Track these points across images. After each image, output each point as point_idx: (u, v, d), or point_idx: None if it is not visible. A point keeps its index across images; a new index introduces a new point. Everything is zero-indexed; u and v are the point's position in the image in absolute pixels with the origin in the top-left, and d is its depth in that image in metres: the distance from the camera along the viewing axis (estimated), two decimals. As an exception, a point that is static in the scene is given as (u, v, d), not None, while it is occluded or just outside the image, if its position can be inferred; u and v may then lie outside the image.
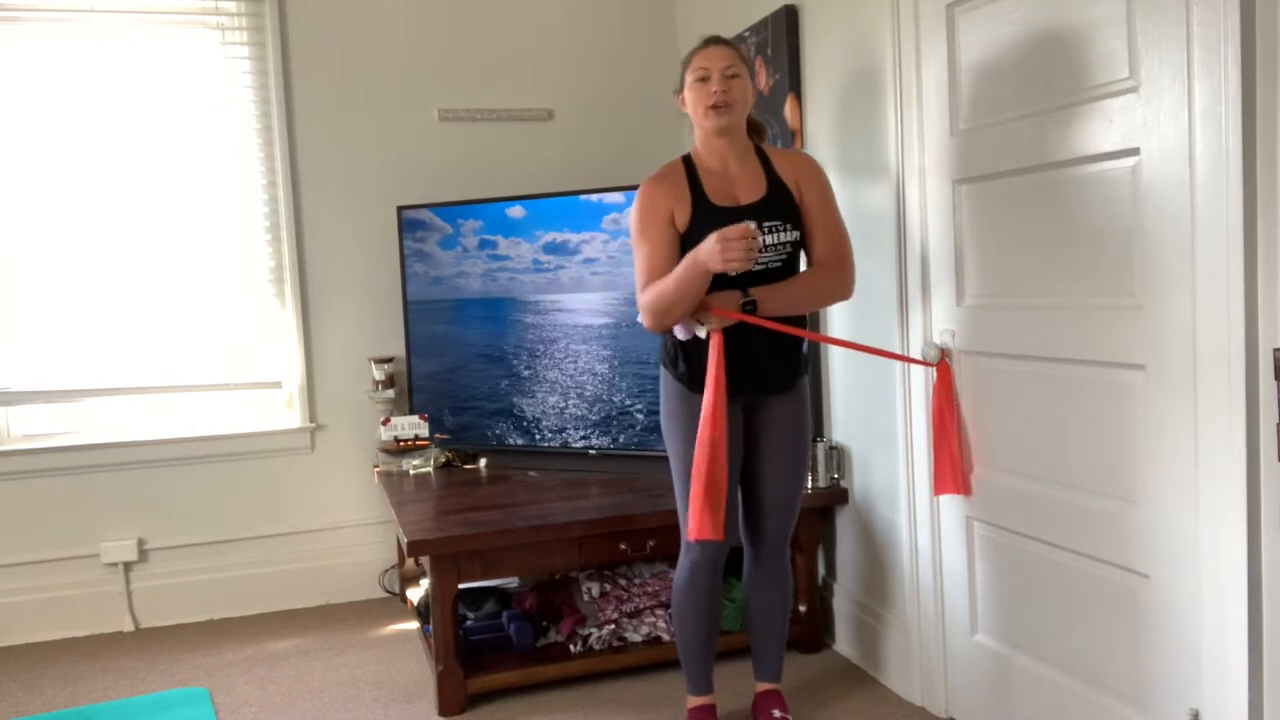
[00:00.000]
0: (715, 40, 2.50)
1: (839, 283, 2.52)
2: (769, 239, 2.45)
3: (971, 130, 2.51)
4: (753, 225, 2.40)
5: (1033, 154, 2.31)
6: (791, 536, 2.72)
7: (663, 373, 2.62)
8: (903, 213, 2.77)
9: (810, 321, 3.25)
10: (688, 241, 2.46)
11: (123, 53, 3.70)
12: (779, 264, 2.48)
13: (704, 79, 2.45)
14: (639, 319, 2.51)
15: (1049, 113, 2.26)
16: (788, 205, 2.50)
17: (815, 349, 3.27)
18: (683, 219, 2.48)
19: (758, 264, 2.45)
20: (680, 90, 2.54)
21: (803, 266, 2.59)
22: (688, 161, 2.54)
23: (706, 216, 2.46)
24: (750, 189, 2.50)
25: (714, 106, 2.44)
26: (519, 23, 4.09)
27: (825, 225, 2.53)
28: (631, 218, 2.52)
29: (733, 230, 2.27)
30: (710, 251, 2.29)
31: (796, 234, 2.50)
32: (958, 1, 2.51)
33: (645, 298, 2.45)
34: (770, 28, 3.33)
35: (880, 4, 2.79)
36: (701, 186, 2.49)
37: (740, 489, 2.65)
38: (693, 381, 2.53)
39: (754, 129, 2.60)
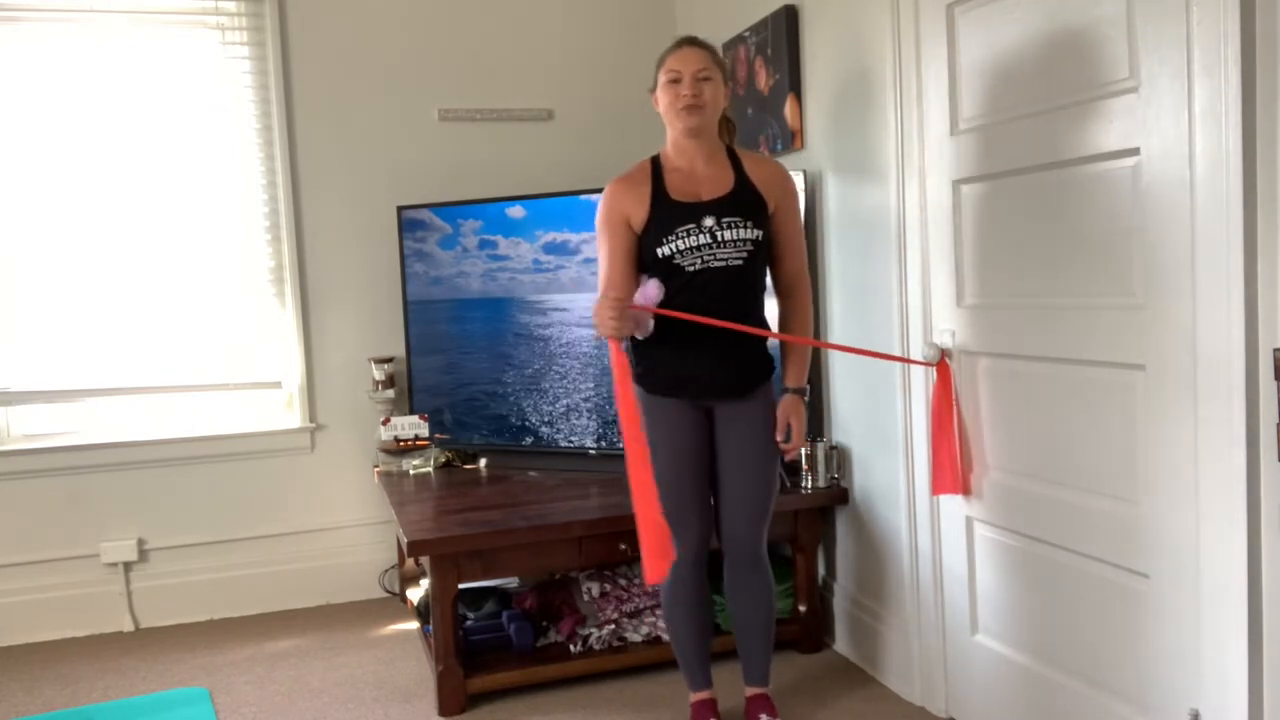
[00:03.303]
0: (689, 41, 2.51)
1: (810, 304, 2.64)
2: (727, 234, 2.47)
3: (971, 130, 2.51)
4: (654, 286, 2.46)
5: (1033, 154, 2.31)
6: (769, 543, 2.67)
7: None
8: (902, 213, 2.77)
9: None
10: (647, 238, 2.49)
11: (123, 53, 3.70)
12: (740, 261, 2.49)
13: (676, 80, 2.47)
14: None
15: (1049, 113, 2.26)
16: (753, 204, 2.51)
17: (816, 350, 3.26)
18: (640, 218, 2.50)
19: (718, 260, 2.46)
20: (654, 89, 2.54)
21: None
22: (656, 161, 2.57)
23: (664, 211, 2.49)
24: (714, 186, 2.52)
25: (684, 108, 2.45)
26: (519, 23, 4.09)
27: (791, 244, 2.60)
28: (596, 217, 2.57)
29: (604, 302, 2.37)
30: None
31: (759, 233, 2.51)
32: (958, 1, 2.51)
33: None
34: (770, 28, 3.33)
35: (880, 4, 2.79)
36: (664, 184, 2.51)
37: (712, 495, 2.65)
38: (646, 381, 2.56)
39: (724, 128, 2.61)
